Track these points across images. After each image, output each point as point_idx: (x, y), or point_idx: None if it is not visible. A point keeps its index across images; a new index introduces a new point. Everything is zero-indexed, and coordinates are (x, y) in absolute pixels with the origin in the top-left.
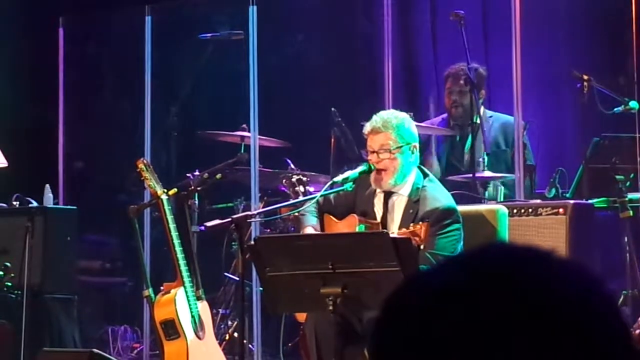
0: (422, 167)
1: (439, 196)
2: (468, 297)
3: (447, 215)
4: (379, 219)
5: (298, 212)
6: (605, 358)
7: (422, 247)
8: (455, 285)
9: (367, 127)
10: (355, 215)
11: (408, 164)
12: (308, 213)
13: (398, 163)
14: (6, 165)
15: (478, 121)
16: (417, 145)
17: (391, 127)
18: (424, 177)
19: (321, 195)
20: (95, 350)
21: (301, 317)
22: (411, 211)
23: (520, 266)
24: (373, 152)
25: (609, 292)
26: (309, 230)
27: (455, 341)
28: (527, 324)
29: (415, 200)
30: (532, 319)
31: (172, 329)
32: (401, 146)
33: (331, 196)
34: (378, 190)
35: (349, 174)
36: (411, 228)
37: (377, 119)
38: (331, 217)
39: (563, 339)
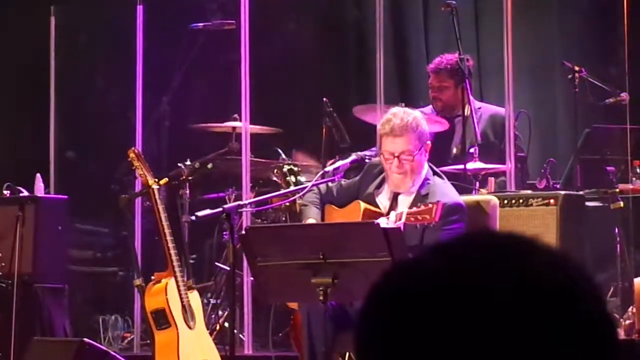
0: (431, 165)
1: (449, 192)
2: (450, 286)
3: (455, 211)
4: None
5: (299, 203)
6: (588, 346)
7: (432, 225)
8: (438, 273)
9: (385, 127)
10: (359, 200)
11: (423, 163)
12: (310, 204)
13: (416, 165)
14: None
15: (467, 113)
16: (429, 143)
17: (412, 130)
18: (434, 174)
19: (313, 185)
20: (86, 340)
21: (293, 305)
22: (417, 206)
23: (503, 254)
24: (393, 155)
25: (592, 279)
26: (310, 222)
27: (435, 329)
28: (509, 311)
29: (424, 194)
30: (515, 307)
31: (162, 318)
32: (420, 148)
33: (334, 188)
34: (386, 184)
35: (340, 163)
36: (422, 207)
37: (397, 121)
38: (333, 206)
39: (545, 326)
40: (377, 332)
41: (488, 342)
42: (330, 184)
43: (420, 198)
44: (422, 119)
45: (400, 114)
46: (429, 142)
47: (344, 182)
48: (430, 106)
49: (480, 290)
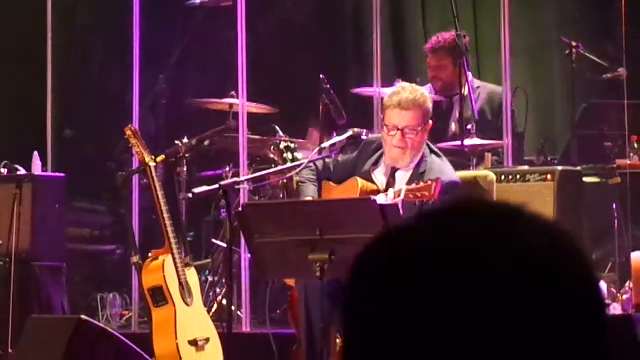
0: (429, 143)
1: (447, 170)
2: (442, 255)
3: (451, 189)
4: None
5: (296, 180)
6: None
7: (430, 202)
8: (422, 243)
9: (393, 100)
10: (357, 177)
11: (423, 141)
12: (307, 182)
13: (417, 142)
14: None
15: (465, 91)
16: (431, 122)
17: (419, 106)
18: (431, 152)
19: (309, 162)
20: (84, 317)
21: (291, 282)
22: (416, 183)
23: (488, 224)
24: (396, 128)
25: (578, 246)
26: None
27: (427, 301)
28: (505, 284)
29: (421, 172)
30: (498, 280)
31: (160, 295)
32: (423, 125)
33: (331, 164)
34: (383, 161)
35: (336, 139)
36: (422, 184)
37: (406, 95)
38: (330, 182)
39: (526, 297)
40: (362, 305)
41: (478, 316)
42: (327, 160)
43: (418, 175)
44: (429, 97)
45: (409, 88)
46: (431, 121)
47: (340, 158)
48: (429, 86)
49: (477, 261)
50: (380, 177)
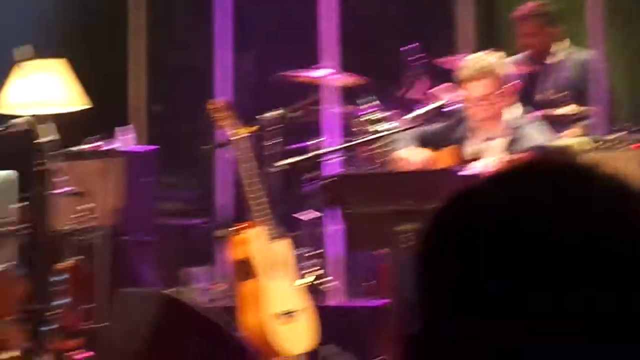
0: (522, 108)
1: (539, 137)
2: (507, 224)
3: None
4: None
5: (387, 150)
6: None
7: None
8: (495, 209)
9: (464, 73)
10: (451, 147)
11: (506, 106)
12: (401, 139)
13: (497, 108)
14: (90, 106)
15: (556, 59)
16: (515, 84)
17: (489, 73)
18: (523, 118)
19: (398, 131)
20: (172, 291)
21: (383, 252)
22: (511, 152)
23: (561, 188)
24: (473, 100)
25: None
26: (403, 152)
27: (489, 268)
28: (563, 251)
29: (513, 138)
30: (571, 248)
31: (246, 268)
32: (500, 90)
33: (421, 133)
34: (472, 131)
35: (424, 110)
36: (516, 156)
37: (475, 65)
38: (425, 150)
39: (600, 264)
40: (433, 270)
41: (553, 283)
42: (417, 129)
43: (510, 142)
44: (501, 61)
45: (477, 58)
46: (512, 85)
47: (429, 127)
48: (521, 54)
49: (549, 228)
50: (472, 146)
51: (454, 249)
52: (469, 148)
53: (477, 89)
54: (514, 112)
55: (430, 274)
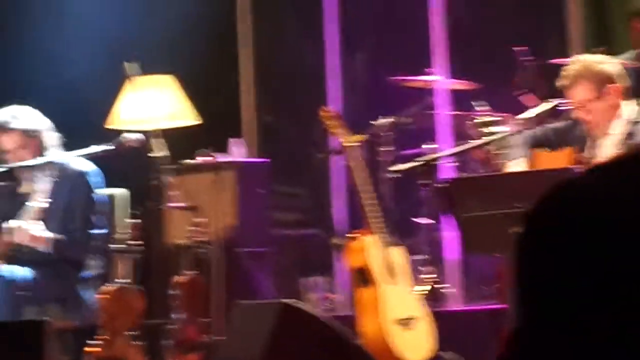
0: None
1: None
2: (602, 221)
3: None
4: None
5: (499, 153)
6: None
7: None
8: (592, 205)
9: (562, 80)
10: (568, 147)
11: (610, 106)
12: (514, 147)
13: (601, 110)
14: (200, 122)
15: None
16: (618, 83)
17: (582, 77)
18: (638, 111)
19: (510, 134)
20: (289, 301)
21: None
22: (623, 145)
23: None
24: (575, 105)
25: None
26: (515, 162)
27: (583, 264)
28: None
29: (627, 135)
30: None
31: (364, 276)
32: (601, 91)
33: (534, 135)
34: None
35: (535, 111)
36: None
37: (567, 72)
38: (539, 151)
39: None
40: (532, 262)
41: None
42: (529, 132)
43: (623, 141)
44: (595, 62)
45: (570, 64)
46: (613, 84)
47: (542, 129)
48: (637, 51)
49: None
50: (588, 148)
51: (551, 244)
52: (586, 150)
53: (577, 93)
54: (629, 108)
55: (530, 270)
